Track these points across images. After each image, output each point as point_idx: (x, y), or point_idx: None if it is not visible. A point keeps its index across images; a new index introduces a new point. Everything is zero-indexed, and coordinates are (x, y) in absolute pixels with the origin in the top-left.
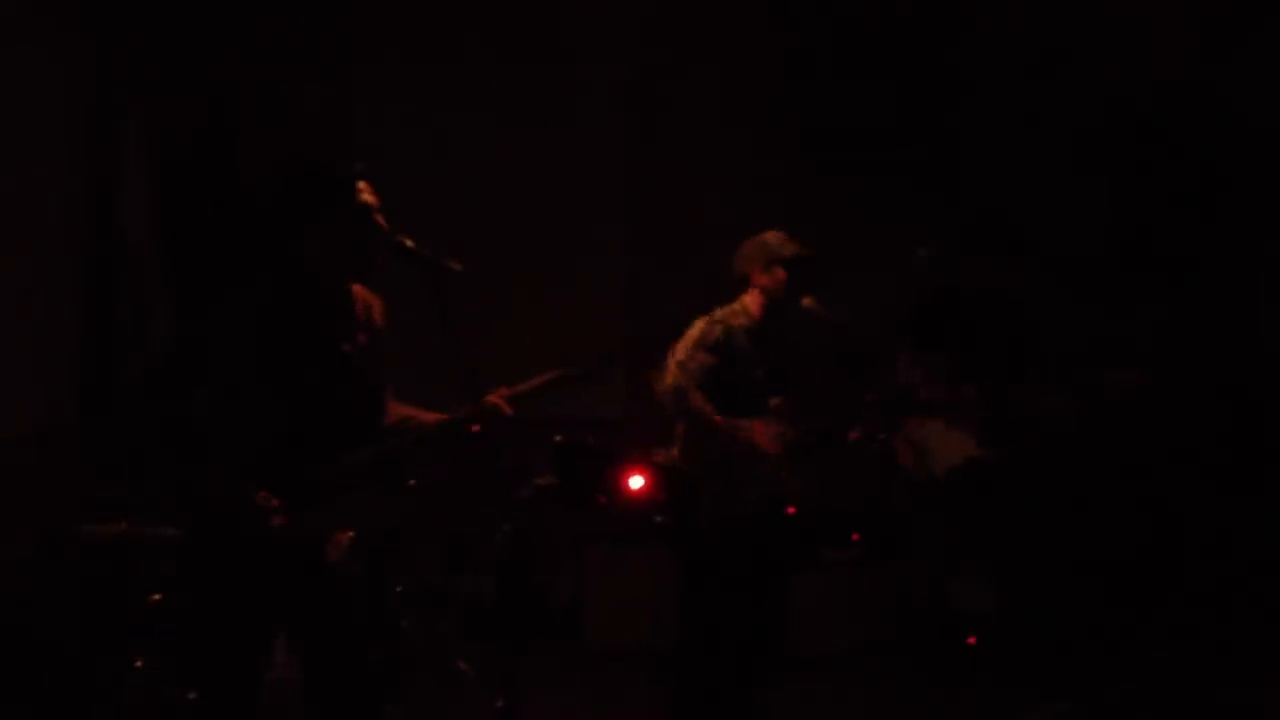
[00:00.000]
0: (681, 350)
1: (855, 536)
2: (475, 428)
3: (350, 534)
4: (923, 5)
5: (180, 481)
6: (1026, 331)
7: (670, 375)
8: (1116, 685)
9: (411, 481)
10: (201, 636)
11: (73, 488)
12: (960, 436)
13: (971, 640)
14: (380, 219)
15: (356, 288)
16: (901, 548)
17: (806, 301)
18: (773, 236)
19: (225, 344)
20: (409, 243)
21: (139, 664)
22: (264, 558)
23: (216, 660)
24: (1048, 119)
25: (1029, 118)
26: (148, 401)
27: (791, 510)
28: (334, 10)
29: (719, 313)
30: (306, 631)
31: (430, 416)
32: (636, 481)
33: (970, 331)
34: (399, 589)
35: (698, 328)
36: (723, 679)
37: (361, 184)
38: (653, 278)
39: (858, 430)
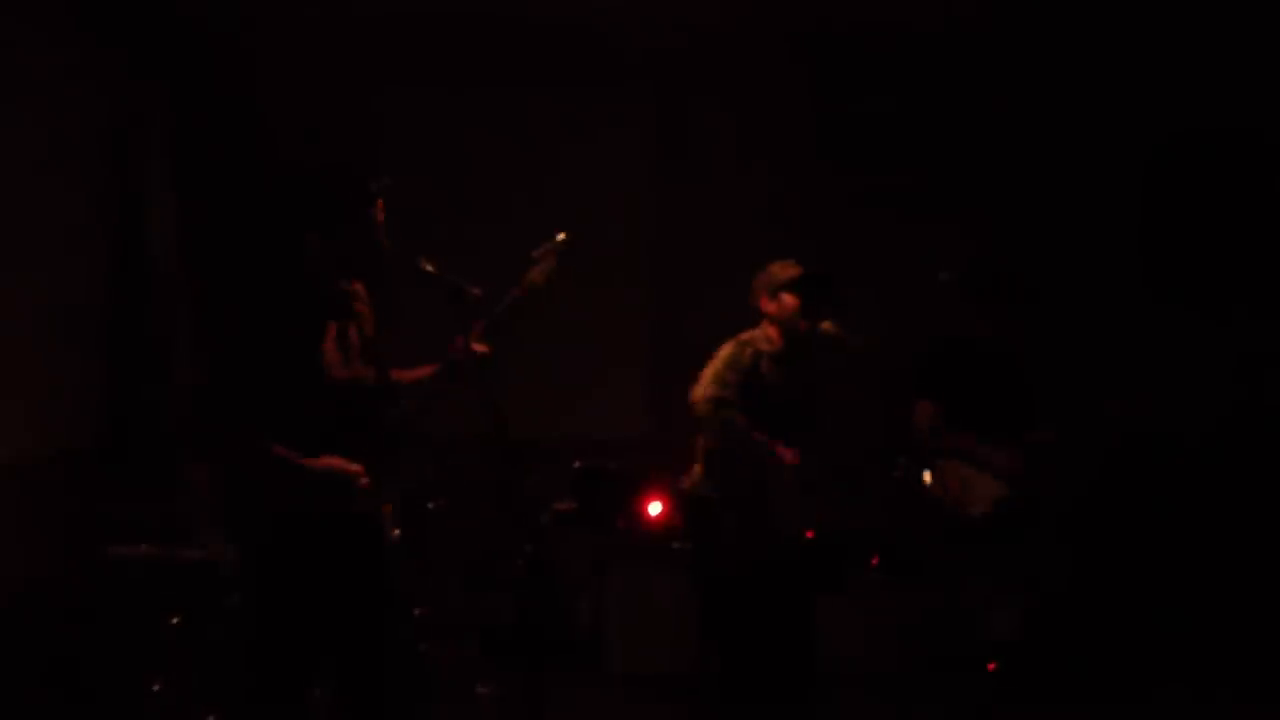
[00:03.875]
0: (716, 365)
1: (874, 560)
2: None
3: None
4: (953, 29)
5: (247, 476)
6: (1043, 374)
7: (707, 387)
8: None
9: (431, 505)
10: (252, 651)
11: (99, 506)
12: (990, 478)
13: (991, 666)
14: (383, 235)
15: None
16: (923, 572)
17: (826, 326)
18: (777, 265)
19: (244, 339)
20: (429, 267)
21: (157, 687)
22: (336, 537)
23: (264, 677)
24: (1073, 153)
25: (1056, 148)
26: (197, 412)
27: (810, 534)
28: (362, 30)
29: (745, 335)
30: (351, 622)
31: (412, 374)
32: (655, 508)
33: (986, 379)
34: (418, 613)
35: (727, 349)
36: (743, 703)
37: (377, 202)
38: (679, 300)
39: (899, 465)
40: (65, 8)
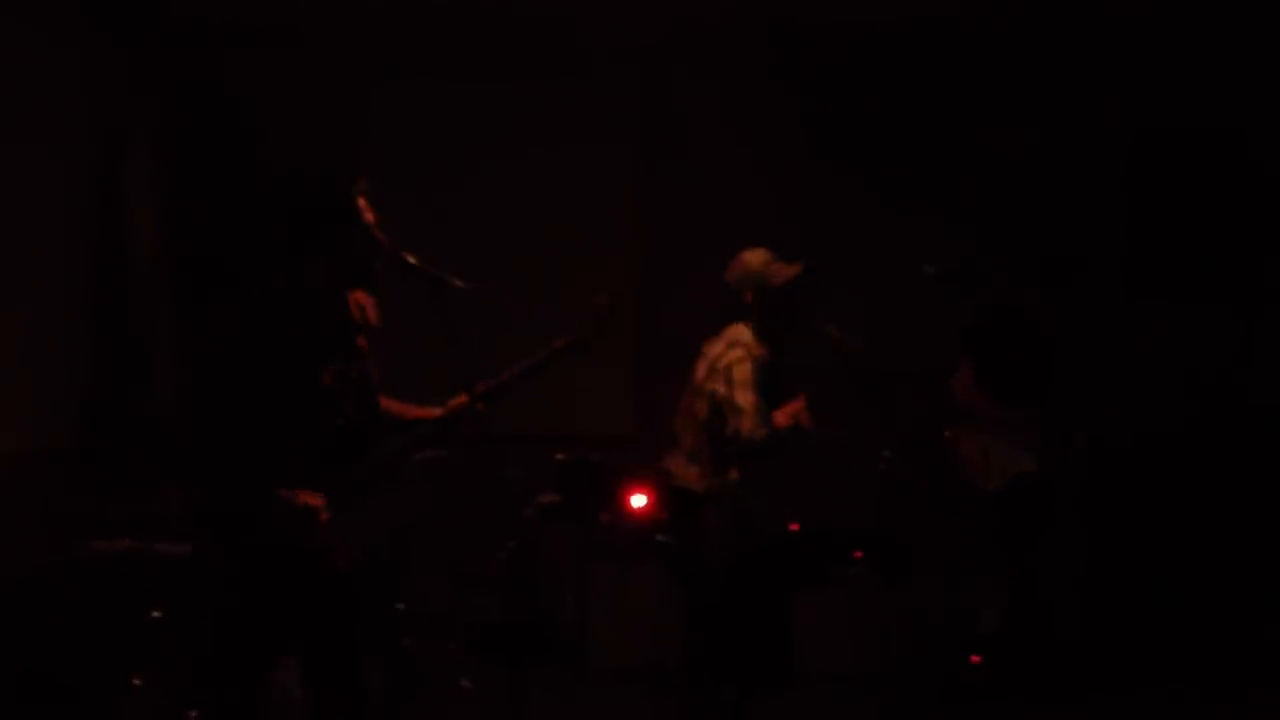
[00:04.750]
0: (746, 393)
1: (858, 554)
2: (481, 406)
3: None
4: (938, 25)
5: (215, 491)
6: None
7: (757, 423)
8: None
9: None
10: (213, 649)
11: (79, 503)
12: (1017, 451)
13: (975, 659)
14: (379, 234)
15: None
16: (911, 565)
17: (829, 328)
18: (755, 259)
19: (239, 357)
20: (412, 259)
21: (138, 682)
22: (287, 566)
23: (224, 674)
24: (1058, 148)
25: (1044, 137)
26: (169, 418)
27: (794, 527)
28: (349, 25)
29: (751, 344)
30: (311, 647)
31: (414, 411)
32: (638, 500)
33: (1028, 351)
34: (402, 608)
35: (744, 367)
36: (727, 697)
37: (360, 201)
38: (663, 295)
39: (882, 459)
40: (51, 6)
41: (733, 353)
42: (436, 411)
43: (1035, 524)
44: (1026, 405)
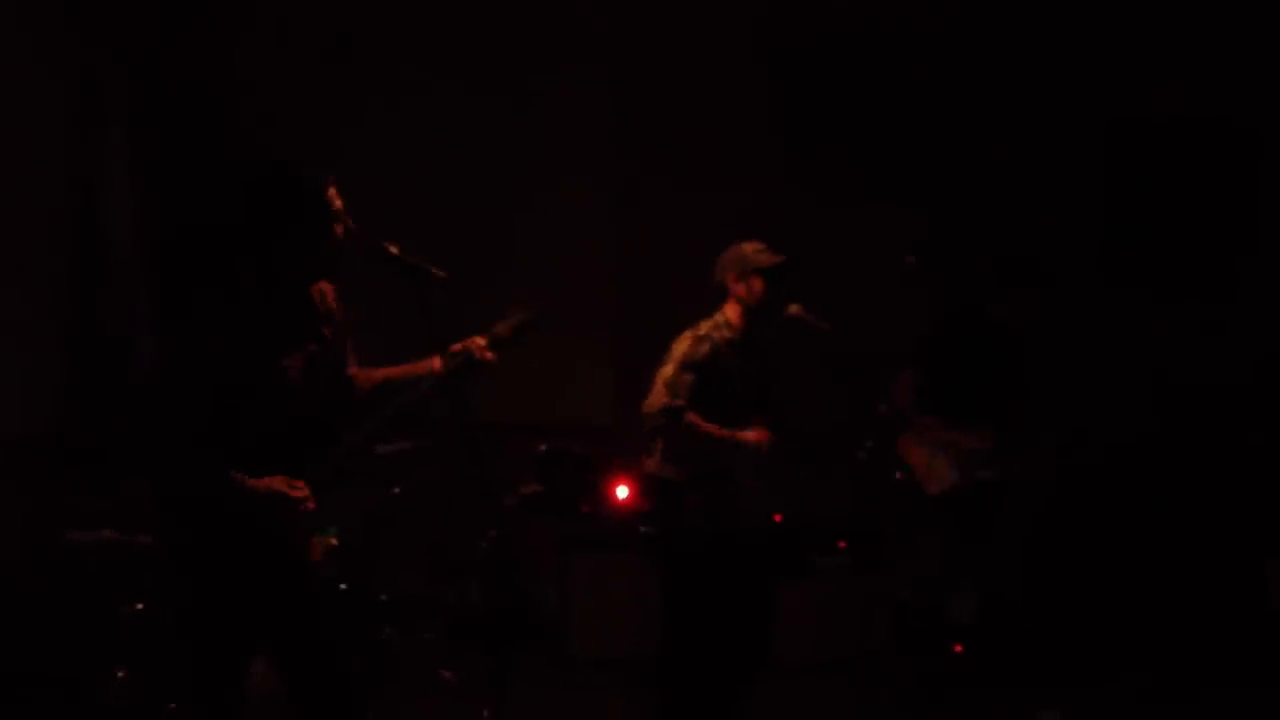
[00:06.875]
0: (670, 368)
1: (842, 544)
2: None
3: (333, 540)
4: (913, 18)
5: (190, 478)
6: (1028, 361)
7: (660, 395)
8: (1102, 694)
9: (396, 489)
10: (186, 643)
11: (56, 494)
12: (951, 463)
13: (958, 649)
14: (348, 221)
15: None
16: (889, 556)
17: (794, 309)
18: (749, 246)
19: (209, 347)
20: (393, 249)
21: (121, 674)
22: (259, 557)
23: (199, 668)
24: (1034, 138)
25: (1019, 128)
26: (142, 407)
27: (778, 518)
28: (321, 16)
29: (704, 327)
30: (289, 639)
31: (401, 370)
32: (622, 491)
33: (981, 358)
34: (382, 597)
35: (685, 345)
36: (708, 687)
37: (331, 190)
38: (642, 284)
39: (863, 449)
40: None
41: (683, 335)
42: (435, 364)
43: (973, 531)
44: (965, 418)
